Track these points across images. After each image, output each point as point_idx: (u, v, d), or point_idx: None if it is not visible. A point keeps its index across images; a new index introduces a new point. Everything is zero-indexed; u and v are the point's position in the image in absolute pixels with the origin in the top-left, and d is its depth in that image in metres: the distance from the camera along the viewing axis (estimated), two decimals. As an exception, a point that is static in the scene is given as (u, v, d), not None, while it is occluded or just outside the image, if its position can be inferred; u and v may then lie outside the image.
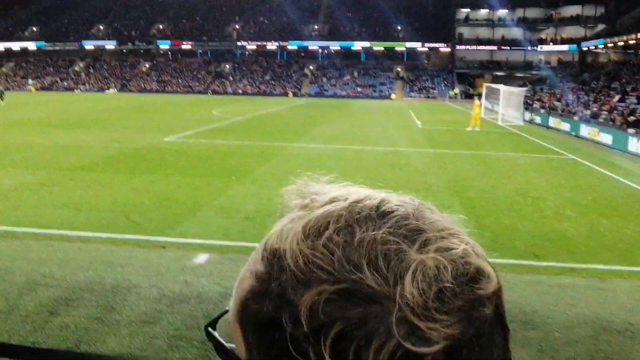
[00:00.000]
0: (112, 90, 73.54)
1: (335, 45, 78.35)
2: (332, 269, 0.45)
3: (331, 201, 0.52)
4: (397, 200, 0.52)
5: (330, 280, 0.45)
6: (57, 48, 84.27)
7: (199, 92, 72.40)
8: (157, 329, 5.47)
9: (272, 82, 76.04)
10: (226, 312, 0.57)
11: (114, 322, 5.63)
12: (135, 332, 5.41)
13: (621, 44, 50.08)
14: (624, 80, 41.96)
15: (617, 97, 36.77)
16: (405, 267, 0.45)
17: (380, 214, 0.50)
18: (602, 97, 38.67)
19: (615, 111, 32.65)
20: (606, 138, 24.74)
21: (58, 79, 79.06)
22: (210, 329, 0.59)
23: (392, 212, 0.50)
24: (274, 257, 0.49)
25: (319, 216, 0.50)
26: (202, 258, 7.83)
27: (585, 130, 27.81)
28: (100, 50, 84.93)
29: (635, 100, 34.38)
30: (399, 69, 77.47)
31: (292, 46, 79.31)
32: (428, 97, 69.38)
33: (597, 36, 60.48)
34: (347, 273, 0.45)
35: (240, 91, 73.24)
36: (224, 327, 0.58)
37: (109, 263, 7.38)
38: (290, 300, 0.46)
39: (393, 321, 0.43)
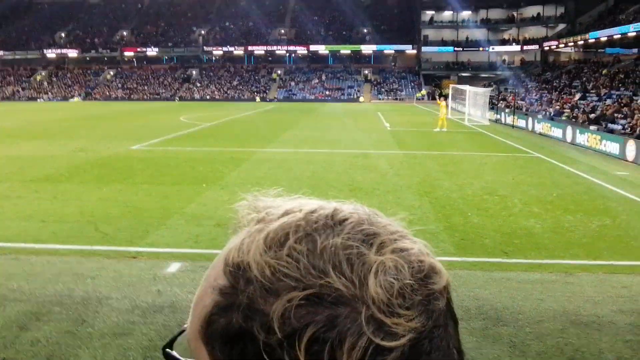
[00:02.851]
0: (76, 99, 72.25)
1: (302, 50, 78.41)
2: (300, 275, 0.47)
3: (286, 213, 0.55)
4: (349, 207, 0.55)
5: (299, 287, 0.47)
6: (17, 57, 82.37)
7: (166, 99, 71.62)
8: (131, 341, 5.42)
9: (240, 87, 75.70)
10: (182, 332, 0.59)
11: (86, 335, 5.55)
12: (108, 345, 5.35)
13: (581, 42, 51.26)
14: (584, 79, 42.95)
15: (578, 95, 37.63)
16: (367, 268, 0.48)
17: (337, 221, 0.53)
18: (564, 96, 39.53)
19: (576, 109, 33.40)
20: (557, 132, 26.44)
21: (19, 89, 77.30)
22: (168, 349, 0.59)
23: (347, 219, 0.53)
24: (238, 270, 0.51)
25: (277, 228, 0.52)
26: (174, 267, 7.77)
27: (538, 126, 29.17)
28: (62, 59, 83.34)
29: (595, 98, 35.23)
30: (367, 72, 77.91)
31: (259, 51, 79.08)
32: (396, 99, 69.92)
33: (558, 36, 61.83)
34: (314, 279, 0.47)
35: (208, 97, 72.70)
36: (183, 345, 0.58)
37: (78, 275, 7.26)
38: (259, 310, 0.47)
39: (363, 320, 0.45)
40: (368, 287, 0.46)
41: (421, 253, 0.52)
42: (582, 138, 23.59)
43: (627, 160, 19.15)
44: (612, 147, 20.80)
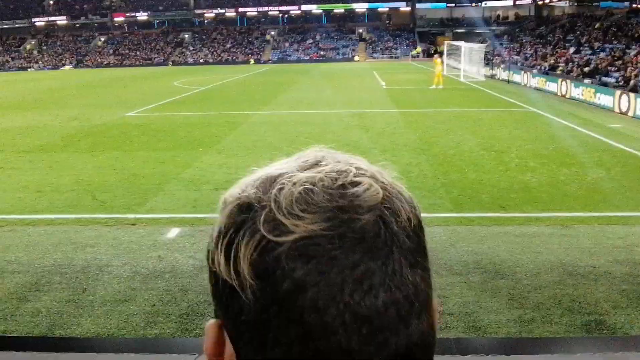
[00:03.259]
0: (68, 67, 71.44)
1: (295, 10, 77.19)
2: (240, 190, 0.53)
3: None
4: (335, 156, 0.56)
5: (238, 201, 0.52)
6: (6, 26, 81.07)
7: (159, 64, 70.85)
8: (133, 307, 5.47)
9: (233, 50, 74.81)
10: None
11: (87, 303, 5.60)
12: (110, 312, 5.40)
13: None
14: (578, 33, 42.44)
15: (572, 49, 37.23)
16: (284, 182, 0.51)
17: (313, 164, 0.54)
18: (559, 50, 39.10)
19: (570, 63, 33.09)
20: (552, 86, 26.24)
21: (9, 58, 76.36)
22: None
23: (320, 161, 0.54)
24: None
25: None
26: (173, 232, 7.80)
27: (534, 81, 29.02)
28: (52, 26, 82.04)
29: (589, 51, 34.88)
30: (361, 31, 76.95)
31: (251, 12, 77.85)
32: (391, 57, 69.26)
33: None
34: (245, 193, 0.52)
35: (201, 61, 71.93)
36: None
37: (77, 244, 7.29)
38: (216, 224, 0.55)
39: (261, 220, 0.49)
40: (273, 192, 0.50)
41: (350, 172, 0.51)
42: (577, 92, 23.48)
43: (620, 113, 19.09)
44: (606, 99, 20.69)
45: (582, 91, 23.09)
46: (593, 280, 5.91)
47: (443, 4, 73.35)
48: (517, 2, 69.35)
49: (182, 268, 6.39)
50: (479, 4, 71.21)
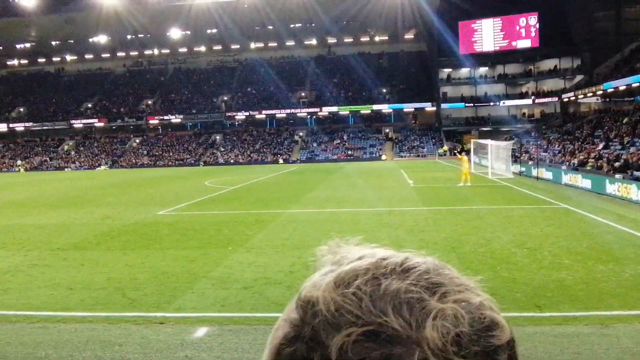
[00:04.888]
0: (103, 167, 73.95)
1: (323, 111, 79.75)
2: (361, 313, 0.50)
3: (360, 258, 0.58)
4: (420, 258, 0.59)
5: (359, 323, 0.49)
6: (45, 127, 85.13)
7: (191, 164, 72.92)
8: (158, 408, 5.33)
9: (263, 150, 76.85)
10: None
11: (113, 403, 5.48)
12: (135, 413, 5.27)
13: (599, 92, 51.32)
14: (606, 128, 42.74)
15: (601, 145, 37.36)
16: (426, 313, 0.49)
17: (405, 268, 0.55)
18: (587, 145, 39.27)
19: (601, 159, 33.10)
20: (586, 183, 25.55)
21: (47, 158, 79.52)
22: None
23: (415, 267, 0.56)
24: (307, 305, 0.54)
25: (348, 270, 0.56)
26: (201, 332, 7.71)
27: (566, 177, 28.51)
28: (89, 128, 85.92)
29: (619, 146, 34.93)
30: (387, 130, 78.71)
31: (280, 114, 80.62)
32: (418, 155, 70.21)
33: (576, 87, 62.07)
34: (373, 317, 0.49)
35: (232, 161, 73.86)
36: None
37: (105, 342, 7.24)
38: (321, 342, 0.50)
39: None
40: (425, 329, 0.48)
41: (484, 306, 0.53)
42: (612, 188, 22.96)
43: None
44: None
45: (618, 187, 22.54)
46: (639, 385, 5.60)
47: (462, 104, 75.08)
48: (537, 101, 70.62)
49: (209, 368, 6.26)
50: (497, 103, 72.74)
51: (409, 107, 77.91)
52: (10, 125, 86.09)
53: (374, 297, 0.51)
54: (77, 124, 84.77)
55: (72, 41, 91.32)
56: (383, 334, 0.48)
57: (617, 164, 29.25)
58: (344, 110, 79.38)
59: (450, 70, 77.93)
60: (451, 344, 0.47)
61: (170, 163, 74.72)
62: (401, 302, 0.50)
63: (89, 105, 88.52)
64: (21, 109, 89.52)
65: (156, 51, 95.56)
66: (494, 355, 0.49)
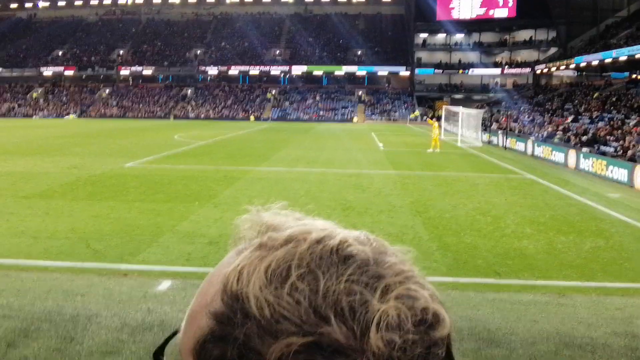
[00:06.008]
0: (72, 116, 72.24)
1: (297, 70, 78.87)
2: (300, 320, 0.47)
3: (289, 240, 0.53)
4: (356, 241, 0.54)
5: (299, 332, 0.46)
6: (14, 74, 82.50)
7: (161, 117, 71.71)
8: (120, 359, 5.34)
9: (234, 106, 75.92)
10: (173, 335, 0.58)
11: (74, 352, 5.47)
12: (96, 363, 5.27)
13: (572, 66, 51.83)
14: (576, 102, 43.32)
15: (570, 118, 37.91)
16: (370, 318, 0.47)
17: (342, 258, 0.51)
18: (557, 118, 39.82)
19: (569, 131, 33.63)
20: (559, 157, 25.72)
21: (16, 105, 77.29)
22: (160, 356, 0.60)
23: (353, 256, 0.51)
24: (236, 301, 0.50)
25: (279, 259, 0.51)
26: (164, 285, 7.70)
27: (538, 150, 28.74)
28: (59, 76, 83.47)
29: (587, 120, 35.51)
30: (360, 93, 78.41)
31: (254, 71, 79.46)
32: (389, 119, 70.29)
33: (549, 59, 62.55)
34: (315, 325, 0.46)
35: (202, 116, 72.87)
36: (174, 355, 0.58)
37: (68, 292, 7.19)
38: (255, 350, 0.47)
39: None
40: (369, 340, 0.46)
41: (425, 299, 0.50)
42: (587, 163, 22.55)
43: (619, 183, 19.22)
44: (619, 172, 19.95)
45: (592, 163, 22.12)
46: (590, 352, 5.80)
47: (433, 70, 75.16)
48: (511, 71, 71.09)
49: (171, 322, 6.27)
50: (466, 71, 73.03)
51: (383, 71, 77.56)
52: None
53: (313, 299, 0.48)
54: (47, 71, 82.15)
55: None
56: (325, 344, 0.46)
57: (584, 138, 29.75)
58: (318, 70, 78.60)
59: (427, 35, 77.68)
60: (397, 351, 0.46)
61: (139, 115, 73.33)
62: (343, 307, 0.47)
63: (60, 53, 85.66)
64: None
65: (130, 0, 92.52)
66: (434, 349, 0.49)
